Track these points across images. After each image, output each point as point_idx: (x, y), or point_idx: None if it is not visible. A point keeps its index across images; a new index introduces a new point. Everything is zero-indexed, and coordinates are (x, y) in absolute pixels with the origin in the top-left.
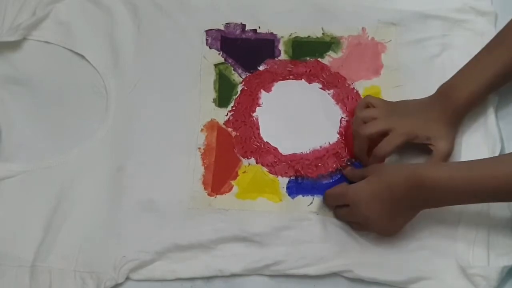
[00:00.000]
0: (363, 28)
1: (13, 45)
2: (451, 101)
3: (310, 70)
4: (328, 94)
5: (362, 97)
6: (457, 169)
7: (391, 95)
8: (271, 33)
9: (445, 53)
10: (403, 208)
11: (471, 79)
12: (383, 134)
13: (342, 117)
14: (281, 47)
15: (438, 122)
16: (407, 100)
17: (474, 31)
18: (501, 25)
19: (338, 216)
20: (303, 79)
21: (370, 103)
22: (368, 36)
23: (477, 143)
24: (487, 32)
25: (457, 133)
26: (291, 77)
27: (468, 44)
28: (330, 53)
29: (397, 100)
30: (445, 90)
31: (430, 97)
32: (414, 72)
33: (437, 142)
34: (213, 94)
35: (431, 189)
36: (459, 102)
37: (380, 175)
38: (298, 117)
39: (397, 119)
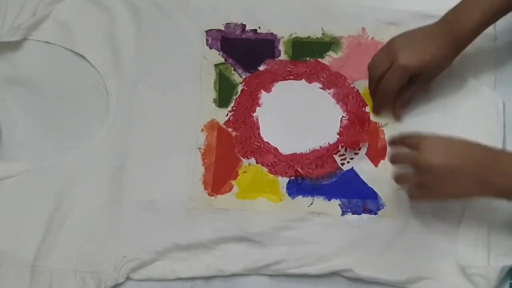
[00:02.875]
0: (363, 28)
1: (14, 45)
2: (454, 30)
3: (310, 70)
4: (328, 93)
5: (362, 96)
6: None
7: None
8: (271, 33)
9: None
10: (465, 177)
11: (476, 7)
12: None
13: (343, 116)
14: (281, 47)
15: (436, 51)
16: (413, 29)
17: None
18: (501, 25)
19: (396, 154)
20: (303, 79)
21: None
22: (368, 36)
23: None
24: (486, 32)
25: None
26: (291, 77)
27: None
28: (330, 53)
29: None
30: (448, 18)
31: (433, 24)
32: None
33: (427, 73)
34: (213, 94)
35: (503, 172)
36: (463, 30)
37: (460, 140)
38: (298, 117)
39: (398, 53)
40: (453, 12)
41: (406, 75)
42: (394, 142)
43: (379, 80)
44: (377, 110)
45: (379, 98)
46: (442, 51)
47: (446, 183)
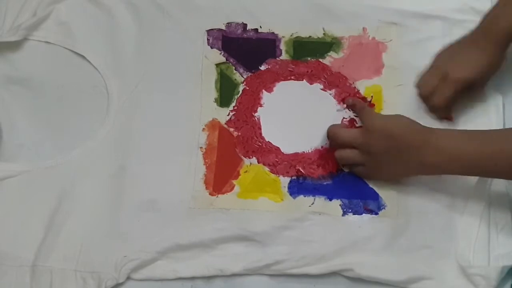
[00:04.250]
0: (364, 28)
1: (14, 46)
2: (497, 32)
3: (312, 71)
4: (330, 94)
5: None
6: (469, 142)
7: (392, 94)
8: (272, 32)
9: None
10: (408, 158)
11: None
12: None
13: (344, 118)
14: (282, 47)
15: (486, 58)
16: (453, 43)
17: None
18: None
19: (342, 156)
20: (304, 80)
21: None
22: (369, 36)
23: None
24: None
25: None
26: (292, 77)
27: None
28: (331, 53)
29: (399, 99)
30: (489, 22)
31: (474, 32)
32: (415, 71)
33: (483, 81)
34: (214, 94)
35: (435, 151)
36: (504, 34)
37: (399, 118)
38: (300, 117)
39: (448, 68)
40: (491, 17)
41: (458, 88)
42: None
43: (430, 97)
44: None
45: (434, 111)
46: (491, 58)
47: (384, 163)
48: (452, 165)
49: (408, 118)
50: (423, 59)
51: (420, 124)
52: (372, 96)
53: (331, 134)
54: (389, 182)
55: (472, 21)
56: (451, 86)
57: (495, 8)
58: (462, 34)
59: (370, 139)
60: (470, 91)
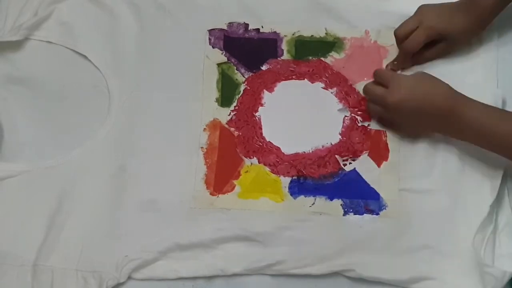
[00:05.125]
0: (366, 30)
1: (15, 45)
2: (475, 8)
3: (313, 70)
4: (331, 93)
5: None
6: (489, 116)
7: None
8: (274, 32)
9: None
10: (426, 120)
11: None
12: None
13: (346, 116)
14: (284, 46)
15: (462, 21)
16: (439, 3)
17: None
18: (501, 27)
19: (367, 89)
20: (305, 79)
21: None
22: (371, 39)
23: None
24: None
25: (475, 36)
26: (293, 77)
27: None
28: (333, 53)
29: None
30: None
31: (458, 1)
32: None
33: (452, 40)
34: (215, 94)
35: (458, 121)
36: (486, 6)
37: (431, 81)
38: (301, 117)
39: (425, 16)
40: None
41: (430, 36)
42: (374, 77)
43: (404, 38)
44: (398, 65)
45: (401, 53)
46: (467, 25)
47: (410, 121)
48: (479, 140)
49: (435, 89)
50: (424, 64)
51: (450, 88)
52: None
53: (365, 90)
54: (413, 136)
55: None
56: (424, 32)
57: None
58: None
59: (395, 114)
60: (436, 48)
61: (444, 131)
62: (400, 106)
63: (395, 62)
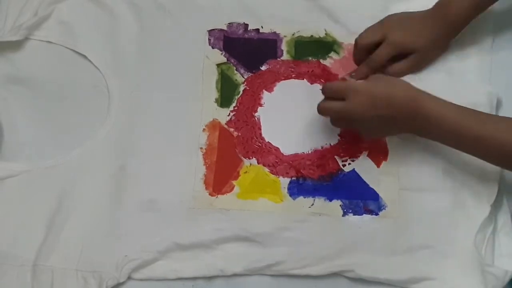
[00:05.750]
0: None
1: (15, 45)
2: (446, 17)
3: (312, 70)
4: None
5: None
6: (451, 111)
7: None
8: (274, 32)
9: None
10: (391, 123)
11: None
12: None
13: None
14: (283, 47)
15: (428, 32)
16: (409, 12)
17: None
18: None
19: (324, 108)
20: (305, 79)
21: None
22: None
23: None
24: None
25: (444, 48)
26: (293, 76)
27: None
28: (332, 54)
29: None
30: (442, 5)
31: (428, 10)
32: (414, 78)
33: (419, 55)
34: (215, 94)
35: (423, 120)
36: (455, 16)
37: (388, 83)
38: (300, 118)
39: (392, 30)
40: (445, 0)
41: (394, 52)
42: (324, 94)
43: (366, 50)
44: (358, 77)
45: (365, 67)
46: (435, 36)
47: (377, 127)
48: (447, 138)
49: (394, 94)
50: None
51: (409, 85)
52: None
53: (321, 110)
54: (372, 138)
55: None
56: (389, 47)
57: None
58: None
59: (356, 124)
60: (406, 62)
61: (412, 131)
62: (364, 115)
63: (353, 74)
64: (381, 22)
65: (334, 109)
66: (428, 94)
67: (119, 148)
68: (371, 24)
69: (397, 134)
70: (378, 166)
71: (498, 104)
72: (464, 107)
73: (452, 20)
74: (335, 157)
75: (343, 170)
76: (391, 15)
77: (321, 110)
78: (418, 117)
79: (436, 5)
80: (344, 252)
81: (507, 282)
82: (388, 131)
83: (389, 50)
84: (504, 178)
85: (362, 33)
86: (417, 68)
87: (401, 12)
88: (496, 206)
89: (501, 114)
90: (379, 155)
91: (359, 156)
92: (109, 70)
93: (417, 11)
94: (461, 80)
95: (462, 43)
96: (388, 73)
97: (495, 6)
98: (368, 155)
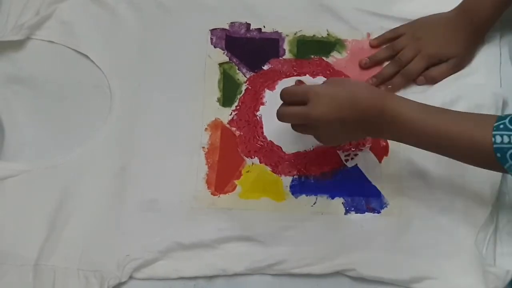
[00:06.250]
0: (368, 33)
1: (17, 45)
2: (474, 18)
3: (315, 68)
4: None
5: None
6: (418, 111)
7: None
8: (276, 31)
9: None
10: (356, 126)
11: None
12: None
13: None
14: (285, 46)
15: (460, 39)
16: (431, 16)
17: None
18: (504, 27)
19: (284, 113)
20: (307, 75)
21: (397, 32)
22: None
23: None
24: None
25: (477, 49)
26: (295, 74)
27: None
28: (334, 53)
29: None
30: (465, 7)
31: (453, 12)
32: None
33: (457, 60)
34: (217, 93)
35: (390, 121)
36: (481, 17)
37: (349, 84)
38: None
39: (422, 41)
40: (471, 2)
41: (429, 63)
42: (283, 99)
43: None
44: (397, 88)
45: (401, 79)
46: (467, 42)
47: (336, 132)
48: (418, 140)
49: (356, 97)
50: None
51: (371, 86)
52: None
53: (280, 115)
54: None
55: None
56: (424, 60)
57: None
58: None
59: (320, 129)
60: (443, 66)
61: (377, 134)
62: (327, 118)
63: (390, 86)
64: (411, 34)
65: (295, 113)
66: (392, 94)
67: (121, 148)
68: (374, 21)
69: (358, 140)
70: (380, 160)
71: (504, 104)
72: (430, 106)
73: (478, 24)
74: (338, 151)
75: (345, 166)
76: (421, 21)
77: (281, 115)
78: (385, 117)
79: (460, 10)
80: (345, 251)
81: (508, 282)
82: (351, 136)
83: (425, 63)
84: (505, 178)
85: (395, 44)
86: (454, 71)
87: (429, 16)
88: (497, 206)
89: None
90: (380, 149)
91: (362, 149)
92: (110, 69)
93: (443, 15)
94: (467, 80)
95: None
96: (428, 76)
97: None
98: (370, 149)
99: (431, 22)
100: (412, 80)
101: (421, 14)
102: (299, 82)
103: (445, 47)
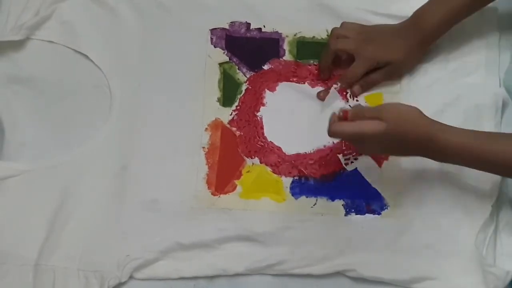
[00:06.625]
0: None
1: (17, 45)
2: (420, 28)
3: (314, 75)
4: (335, 88)
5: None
6: (475, 138)
7: (393, 100)
8: (276, 32)
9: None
10: (406, 152)
11: (440, 6)
12: (350, 57)
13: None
14: (285, 46)
15: (401, 46)
16: (382, 25)
17: None
18: (503, 26)
19: (338, 132)
20: (306, 83)
21: (346, 26)
22: None
23: None
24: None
25: (421, 61)
26: (295, 79)
27: None
28: None
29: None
30: (415, 17)
31: (403, 22)
32: (415, 78)
33: (394, 67)
34: (217, 93)
35: (443, 150)
36: (428, 29)
37: (398, 123)
38: (302, 117)
39: (365, 44)
40: (419, 11)
41: (368, 67)
42: (334, 136)
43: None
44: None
45: (343, 80)
46: (408, 49)
47: (381, 151)
48: (466, 162)
49: (409, 112)
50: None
51: (422, 124)
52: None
53: (340, 133)
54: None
55: None
56: (363, 63)
57: (425, 5)
58: None
59: (371, 150)
60: (381, 73)
61: (425, 156)
62: (376, 151)
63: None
64: (358, 33)
65: (367, 128)
66: (440, 125)
67: (121, 148)
68: (374, 20)
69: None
70: (380, 165)
71: (504, 104)
72: (474, 130)
73: (426, 32)
74: (338, 155)
75: (345, 169)
76: (366, 28)
77: (339, 133)
78: (432, 150)
79: (410, 19)
80: (346, 251)
81: (508, 282)
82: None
83: (362, 67)
84: (505, 178)
85: (332, 33)
86: (391, 78)
87: (373, 25)
88: (497, 206)
89: (506, 113)
90: (380, 154)
91: (362, 154)
92: (110, 69)
93: (390, 24)
94: (467, 80)
95: (469, 42)
96: (365, 82)
97: (499, 3)
98: (370, 155)
99: (380, 28)
100: (352, 83)
101: None
102: (344, 111)
103: (382, 51)
